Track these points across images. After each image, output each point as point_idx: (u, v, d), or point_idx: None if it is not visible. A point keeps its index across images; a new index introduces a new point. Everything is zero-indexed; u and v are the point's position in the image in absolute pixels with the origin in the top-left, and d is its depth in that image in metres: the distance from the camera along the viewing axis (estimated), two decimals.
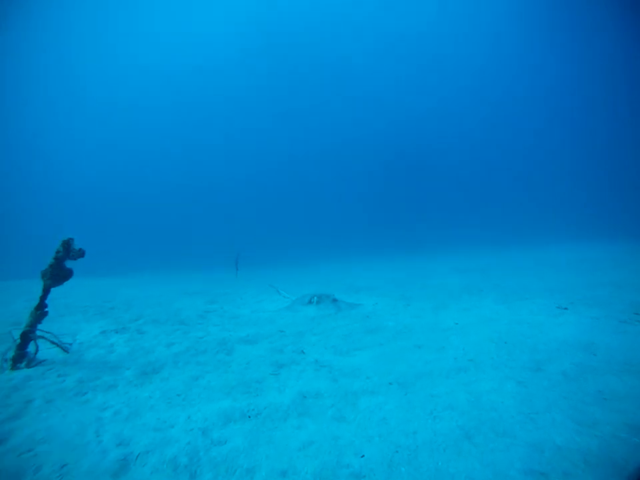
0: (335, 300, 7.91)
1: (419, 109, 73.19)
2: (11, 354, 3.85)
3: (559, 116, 65.50)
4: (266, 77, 67.08)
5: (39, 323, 3.95)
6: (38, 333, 3.91)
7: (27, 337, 3.83)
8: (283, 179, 71.24)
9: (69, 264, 3.97)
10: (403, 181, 70.50)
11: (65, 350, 4.12)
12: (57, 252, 3.93)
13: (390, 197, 67.59)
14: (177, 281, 16.72)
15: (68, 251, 3.93)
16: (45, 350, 4.18)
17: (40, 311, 3.94)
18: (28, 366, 3.81)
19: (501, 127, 70.17)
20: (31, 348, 3.92)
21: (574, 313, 5.67)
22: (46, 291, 3.96)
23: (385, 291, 9.75)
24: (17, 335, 3.98)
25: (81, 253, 3.86)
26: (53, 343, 4.06)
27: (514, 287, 9.12)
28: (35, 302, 3.96)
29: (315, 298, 7.89)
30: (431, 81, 70.89)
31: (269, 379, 3.57)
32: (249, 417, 2.75)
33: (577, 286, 8.38)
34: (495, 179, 66.48)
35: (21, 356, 3.85)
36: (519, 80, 66.66)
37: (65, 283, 4.07)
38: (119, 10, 56.42)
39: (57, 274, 3.95)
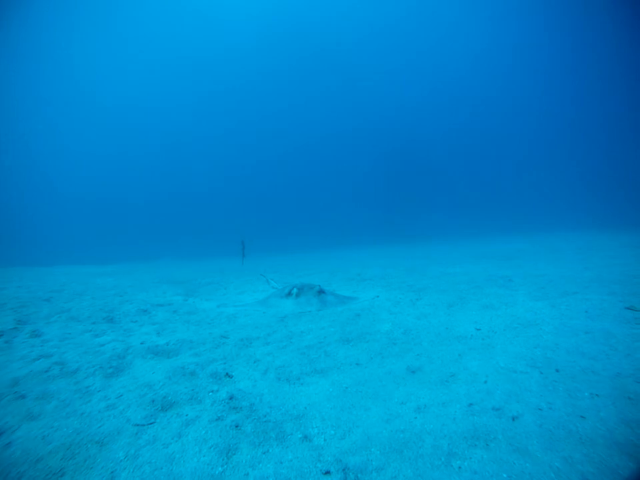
0: (320, 292, 6.22)
1: (432, 102, 71.49)
2: None
3: (588, 102, 61.98)
4: (266, 73, 66.80)
5: None
6: None
7: None
8: (304, 168, 71.11)
9: None
10: (423, 171, 69.01)
11: None
12: None
13: (410, 187, 66.27)
14: (177, 267, 16.15)
15: None
16: None
17: None
18: None
19: (524, 118, 67.48)
20: None
21: None
22: None
23: (393, 281, 7.98)
24: None
25: None
26: None
27: (553, 276, 7.07)
28: None
29: (295, 290, 6.23)
30: (446, 74, 68.61)
31: (122, 438, 1.95)
32: None
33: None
34: (516, 166, 64.03)
35: None
36: (533, 75, 63.59)
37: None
38: (120, 7, 56.22)
39: None
